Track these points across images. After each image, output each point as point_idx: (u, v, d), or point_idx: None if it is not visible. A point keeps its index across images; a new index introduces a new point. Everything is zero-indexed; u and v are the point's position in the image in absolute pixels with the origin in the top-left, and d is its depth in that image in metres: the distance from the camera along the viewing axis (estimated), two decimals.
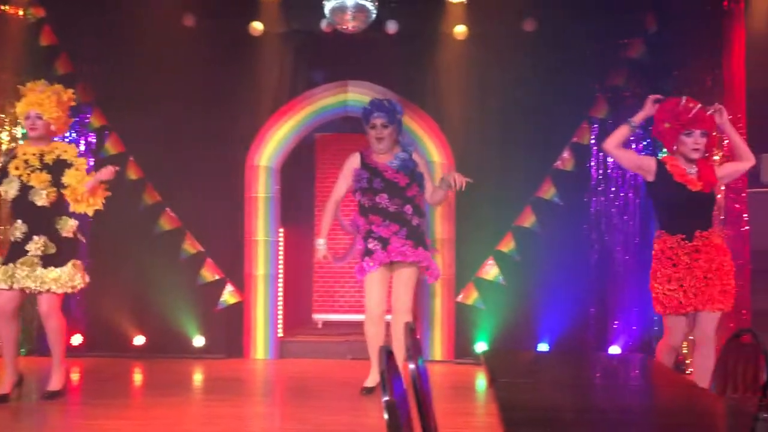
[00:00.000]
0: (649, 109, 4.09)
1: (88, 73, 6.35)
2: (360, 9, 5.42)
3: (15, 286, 4.49)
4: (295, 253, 7.33)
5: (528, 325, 6.08)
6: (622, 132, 4.12)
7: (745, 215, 5.67)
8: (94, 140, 6.41)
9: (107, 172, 4.57)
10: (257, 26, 6.27)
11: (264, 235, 6.37)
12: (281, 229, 6.62)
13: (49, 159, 4.59)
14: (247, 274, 6.35)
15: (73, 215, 4.68)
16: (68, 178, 4.57)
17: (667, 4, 5.97)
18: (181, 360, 6.15)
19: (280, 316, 6.55)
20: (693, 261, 3.94)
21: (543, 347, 6.03)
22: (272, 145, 6.40)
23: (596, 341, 6.04)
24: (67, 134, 6.37)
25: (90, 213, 4.73)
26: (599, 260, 6.11)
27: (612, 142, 4.11)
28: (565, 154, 6.16)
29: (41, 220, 4.56)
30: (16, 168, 4.57)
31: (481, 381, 5.56)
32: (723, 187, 5.29)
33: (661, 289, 3.98)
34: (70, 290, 4.62)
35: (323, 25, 6.13)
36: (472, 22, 6.21)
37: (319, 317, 7.51)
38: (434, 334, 6.28)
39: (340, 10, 5.45)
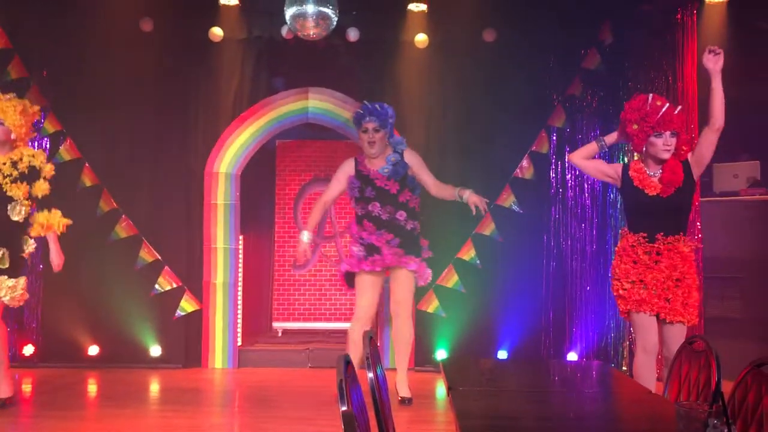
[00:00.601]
0: (621, 133, 4.00)
1: (43, 77, 6.20)
2: (321, 16, 5.40)
3: None
4: (255, 260, 7.27)
5: (487, 332, 6.12)
6: (590, 148, 4.10)
7: (698, 223, 5.81)
8: (49, 145, 6.26)
9: (56, 264, 4.70)
10: (217, 32, 6.21)
11: (224, 243, 6.30)
12: (241, 237, 6.56)
13: (22, 167, 4.59)
14: (206, 282, 6.27)
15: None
16: (37, 190, 4.61)
17: (622, 16, 6.09)
18: (137, 370, 6.04)
19: (239, 325, 6.47)
20: (653, 262, 3.80)
21: (502, 354, 6.07)
22: (232, 152, 6.33)
23: (554, 348, 6.11)
24: None
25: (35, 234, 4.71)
26: (557, 268, 6.18)
27: (578, 155, 4.09)
28: (524, 163, 6.23)
29: (8, 234, 4.56)
30: None
31: (440, 389, 5.58)
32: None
33: (620, 284, 3.85)
34: (16, 304, 4.61)
35: (284, 31, 6.11)
36: (433, 31, 6.25)
37: (279, 325, 7.45)
38: (392, 342, 6.25)
39: (301, 17, 5.42)
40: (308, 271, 7.65)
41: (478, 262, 6.15)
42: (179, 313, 6.21)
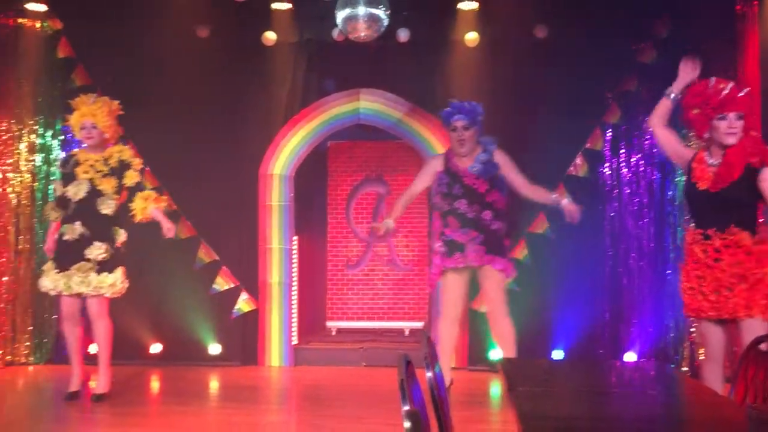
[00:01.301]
0: (685, 73, 3.71)
1: (106, 84, 6.41)
2: (372, 18, 5.45)
3: (71, 292, 4.75)
4: (309, 260, 7.36)
5: (542, 331, 6.06)
6: (661, 107, 3.76)
7: None
8: None
9: (167, 229, 4.89)
10: (270, 36, 6.31)
11: (278, 243, 6.41)
12: (295, 237, 6.66)
13: (113, 162, 4.86)
14: (262, 282, 6.39)
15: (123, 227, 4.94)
16: (128, 179, 4.86)
17: (678, 8, 5.95)
18: (197, 367, 6.19)
19: (295, 324, 6.58)
20: (713, 261, 3.54)
21: (558, 354, 6.01)
22: (285, 154, 6.44)
23: (611, 348, 6.01)
24: (84, 145, 6.48)
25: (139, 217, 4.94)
26: (613, 266, 6.09)
27: (654, 119, 3.79)
28: (578, 160, 6.16)
29: (103, 227, 4.81)
30: (86, 172, 4.80)
31: (495, 388, 5.56)
32: None
33: (682, 287, 3.68)
34: (118, 295, 4.91)
35: (335, 34, 6.17)
36: (483, 29, 6.23)
37: (333, 324, 7.53)
38: (447, 340, 6.26)
39: (352, 19, 5.48)
40: (361, 270, 7.71)
41: (530, 260, 6.11)
42: (236, 312, 6.35)
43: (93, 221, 4.77)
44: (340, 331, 7.47)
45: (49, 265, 4.85)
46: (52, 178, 6.40)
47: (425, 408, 2.04)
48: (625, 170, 6.09)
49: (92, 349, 6.24)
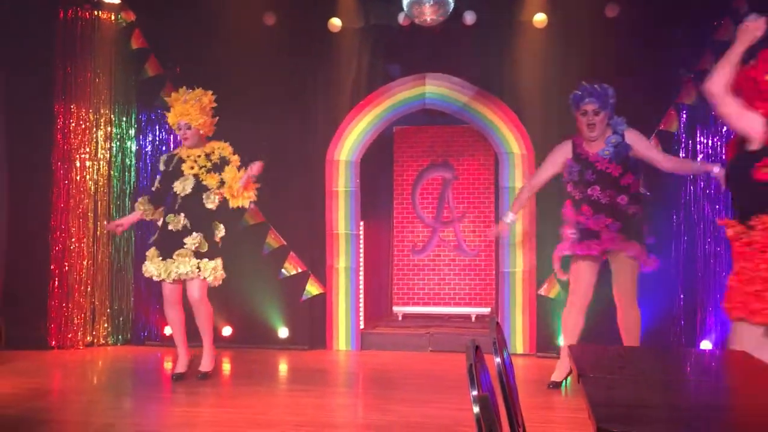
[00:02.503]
0: (745, 35, 3.18)
1: (176, 74, 6.59)
2: (438, 2, 5.40)
3: (174, 277, 4.98)
4: (375, 246, 7.41)
5: (612, 318, 5.89)
6: (724, 70, 3.14)
7: None
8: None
9: (257, 167, 4.98)
10: (336, 22, 6.35)
11: (345, 229, 6.46)
12: (361, 223, 6.70)
13: (215, 158, 5.07)
14: (329, 267, 6.46)
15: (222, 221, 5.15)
16: (225, 174, 5.03)
17: None
18: (266, 350, 6.33)
19: (362, 309, 6.63)
20: (757, 252, 3.07)
21: (705, 344, 5.84)
22: (351, 140, 6.47)
23: (686, 336, 5.84)
24: (158, 132, 6.69)
25: (246, 205, 5.19)
26: (688, 251, 5.90)
27: (715, 83, 3.14)
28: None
29: (203, 221, 5.04)
30: (191, 168, 5.02)
31: None
32: None
33: (731, 283, 3.20)
34: (217, 283, 5.15)
35: (401, 18, 6.15)
36: (552, 9, 6.09)
37: (399, 310, 7.56)
38: (515, 327, 6.22)
39: (417, 3, 5.45)
40: (427, 256, 7.71)
41: None
42: (305, 296, 6.44)
43: (196, 214, 5.01)
44: (406, 316, 7.50)
45: (152, 252, 5.09)
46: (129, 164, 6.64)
47: (494, 394, 2.03)
48: (700, 152, 5.87)
49: (167, 331, 6.48)
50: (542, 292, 6.16)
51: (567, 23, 6.08)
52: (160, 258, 5.02)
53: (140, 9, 6.56)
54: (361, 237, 6.72)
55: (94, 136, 6.59)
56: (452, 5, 5.51)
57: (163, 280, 5.04)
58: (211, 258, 5.04)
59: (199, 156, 5.06)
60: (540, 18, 6.09)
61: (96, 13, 6.55)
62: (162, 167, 5.20)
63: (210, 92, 5.19)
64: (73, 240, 6.45)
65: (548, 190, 6.06)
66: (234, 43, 6.31)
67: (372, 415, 4.46)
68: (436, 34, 6.21)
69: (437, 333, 6.55)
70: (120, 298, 6.65)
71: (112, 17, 6.62)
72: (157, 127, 6.70)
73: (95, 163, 6.59)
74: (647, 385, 2.24)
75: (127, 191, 6.69)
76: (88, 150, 6.56)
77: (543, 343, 6.13)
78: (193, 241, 4.97)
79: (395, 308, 7.60)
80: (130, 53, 6.60)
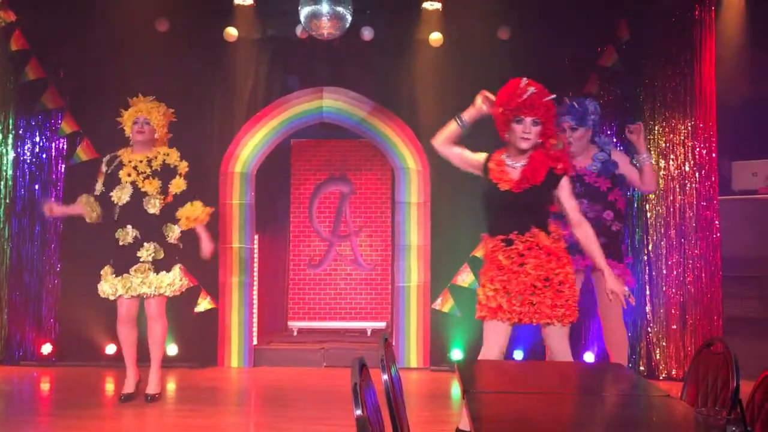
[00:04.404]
0: (479, 106, 3.71)
1: (59, 78, 6.26)
2: (335, 16, 5.40)
3: (132, 293, 4.75)
4: (271, 259, 7.29)
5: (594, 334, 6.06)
6: (450, 129, 3.73)
7: (717, 222, 5.75)
8: (65, 146, 6.31)
9: (206, 248, 4.91)
10: (232, 32, 6.23)
11: (239, 242, 6.32)
12: (256, 236, 6.58)
13: (156, 165, 4.83)
14: (222, 282, 6.29)
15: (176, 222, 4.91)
16: (174, 187, 4.84)
17: (639, 12, 6.03)
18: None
19: (255, 324, 6.50)
20: (518, 266, 3.53)
21: (518, 354, 6.04)
22: (247, 151, 6.35)
23: (570, 348, 6.04)
24: (38, 140, 6.32)
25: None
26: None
27: (439, 139, 3.74)
28: None
29: (152, 227, 4.80)
30: (128, 174, 4.78)
31: (456, 388, 5.56)
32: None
33: (483, 291, 3.60)
34: (178, 293, 4.92)
35: (298, 31, 6.11)
36: (447, 29, 6.23)
37: (294, 324, 7.46)
38: (409, 341, 6.27)
39: (315, 16, 5.43)
40: (324, 270, 7.66)
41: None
42: (196, 312, 6.23)
43: (142, 222, 4.78)
44: (301, 331, 7.41)
45: (106, 270, 4.82)
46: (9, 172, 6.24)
47: (379, 411, 2.02)
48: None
49: (109, 349, 6.12)
50: (436, 306, 6.24)
51: (462, 43, 6.24)
52: (114, 275, 4.78)
53: (22, 9, 6.18)
54: (256, 251, 6.59)
55: None
56: (349, 20, 5.52)
57: (121, 296, 4.79)
58: (169, 266, 4.82)
59: (140, 161, 4.83)
60: (436, 37, 6.22)
61: None
62: (104, 168, 4.93)
63: (171, 110, 5.10)
64: None
65: (444, 205, 6.18)
66: (124, 48, 6.06)
67: None
68: (335, 48, 6.22)
69: (332, 348, 6.50)
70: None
71: None
72: (37, 133, 6.31)
73: None
74: (531, 399, 2.30)
75: (2, 201, 6.26)
76: None
77: (436, 356, 6.20)
78: (147, 253, 4.76)
79: (290, 323, 7.49)
80: (8, 55, 6.20)
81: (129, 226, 4.79)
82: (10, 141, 6.29)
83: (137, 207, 4.79)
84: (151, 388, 4.96)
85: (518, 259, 3.54)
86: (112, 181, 4.84)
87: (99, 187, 4.92)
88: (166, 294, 4.85)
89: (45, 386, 5.56)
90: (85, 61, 6.20)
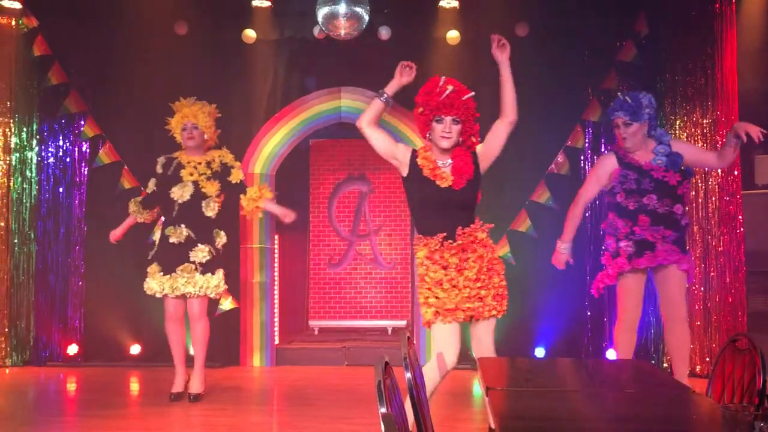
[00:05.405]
0: (397, 76, 3.62)
1: (81, 83, 6.35)
2: (353, 16, 5.42)
3: (177, 293, 4.81)
4: (291, 259, 7.33)
5: (524, 329, 6.07)
6: (374, 106, 3.57)
7: (740, 217, 5.69)
8: (88, 149, 6.40)
9: (284, 215, 5.00)
10: (250, 34, 6.27)
11: (260, 243, 6.36)
12: (276, 236, 6.61)
13: (215, 166, 4.93)
14: (243, 282, 6.34)
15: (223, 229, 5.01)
16: (233, 176, 4.92)
17: (658, 6, 5.99)
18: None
19: (277, 324, 6.54)
20: (463, 262, 3.46)
21: (539, 352, 6.02)
22: (267, 152, 6.39)
23: (593, 345, 6.04)
24: (61, 143, 6.40)
25: (261, 206, 5.03)
26: (595, 264, 6.10)
27: (365, 119, 3.56)
28: (560, 158, 6.17)
29: (206, 230, 4.88)
30: (191, 174, 4.86)
31: (477, 386, 5.56)
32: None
33: (432, 294, 3.45)
34: (218, 297, 5.01)
35: (316, 32, 6.14)
36: (464, 27, 6.23)
37: (316, 324, 7.49)
38: (430, 339, 6.26)
39: (332, 17, 5.44)
40: (344, 269, 7.69)
41: (512, 258, 6.11)
42: (218, 312, 6.28)
43: (197, 223, 4.85)
44: (322, 330, 7.44)
45: (153, 268, 4.88)
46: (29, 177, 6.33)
47: (403, 409, 2.02)
48: None
49: (134, 350, 6.22)
50: None
51: (479, 41, 6.21)
52: (162, 273, 4.84)
53: (43, 14, 6.28)
54: (277, 251, 6.63)
55: None
56: (367, 20, 5.53)
57: (167, 295, 4.85)
58: (213, 271, 4.88)
59: (199, 163, 4.92)
60: (453, 35, 6.22)
61: None
62: (159, 170, 4.99)
63: (215, 105, 5.14)
64: None
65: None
66: (144, 51, 6.13)
67: None
68: (352, 48, 6.23)
69: (353, 347, 6.53)
70: (19, 316, 6.29)
71: (13, 22, 6.30)
72: (60, 137, 6.41)
73: None
74: (554, 396, 2.29)
75: (28, 204, 6.35)
76: None
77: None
78: (202, 254, 4.84)
79: (311, 322, 7.53)
80: (31, 60, 6.30)
81: (183, 225, 4.85)
82: (34, 145, 6.38)
83: (195, 208, 4.86)
84: (194, 388, 5.02)
85: (462, 255, 3.48)
86: (171, 181, 4.90)
87: (151, 185, 5.00)
88: (211, 295, 4.91)
89: (71, 386, 5.63)
90: (106, 65, 6.27)
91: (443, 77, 3.53)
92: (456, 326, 3.48)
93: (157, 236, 5.17)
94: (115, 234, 5.14)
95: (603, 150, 6.16)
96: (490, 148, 3.62)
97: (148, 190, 5.03)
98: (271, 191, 5.14)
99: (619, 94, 4.59)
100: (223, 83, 6.35)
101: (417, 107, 3.55)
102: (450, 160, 3.54)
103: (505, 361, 3.25)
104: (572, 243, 4.62)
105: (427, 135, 3.56)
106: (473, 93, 3.55)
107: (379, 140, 3.57)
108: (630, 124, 4.41)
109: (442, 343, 3.49)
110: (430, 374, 3.45)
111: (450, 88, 3.49)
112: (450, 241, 3.47)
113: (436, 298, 3.45)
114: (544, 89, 5.99)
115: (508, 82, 3.64)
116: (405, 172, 3.56)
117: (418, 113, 3.55)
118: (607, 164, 4.52)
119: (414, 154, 3.56)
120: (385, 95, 3.58)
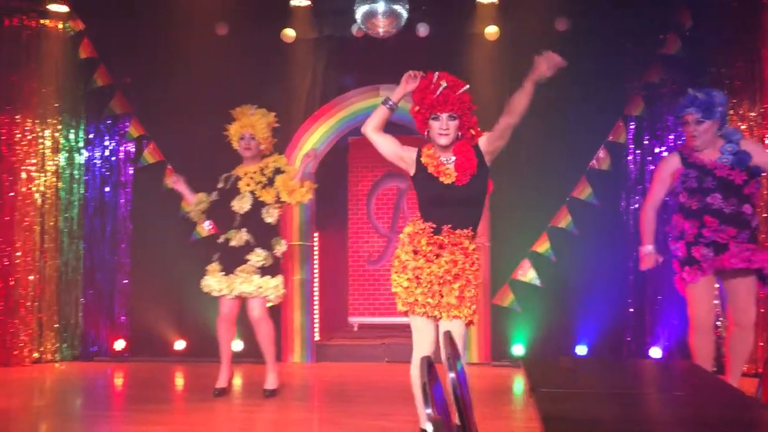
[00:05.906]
0: (402, 84, 3.57)
1: (126, 84, 6.48)
2: (391, 13, 5.43)
3: (234, 293, 4.93)
4: (331, 256, 7.38)
5: (565, 327, 6.03)
6: (379, 113, 3.59)
7: None
8: (133, 149, 6.54)
9: (307, 157, 5.15)
10: (289, 33, 6.32)
11: (299, 240, 6.42)
12: (316, 234, 6.66)
13: (268, 172, 5.02)
14: (284, 279, 6.39)
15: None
16: (278, 181, 4.99)
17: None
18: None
19: (317, 320, 6.59)
20: (434, 255, 3.49)
21: (581, 350, 5.97)
22: (306, 150, 6.43)
23: (636, 344, 5.96)
24: (107, 143, 6.56)
25: (305, 200, 5.14)
26: (637, 260, 6.01)
27: (370, 125, 3.59)
28: (601, 154, 6.10)
29: (266, 236, 5.00)
30: (247, 185, 4.99)
31: (518, 384, 5.54)
32: None
33: (397, 281, 3.54)
34: (279, 301, 5.12)
35: (354, 30, 6.16)
36: (504, 22, 6.18)
37: (355, 320, 7.53)
38: (470, 337, 6.26)
39: (371, 15, 5.46)
40: (383, 266, 7.70)
41: (552, 255, 6.06)
42: None
43: (258, 230, 4.98)
44: (362, 326, 7.47)
45: (214, 267, 5.01)
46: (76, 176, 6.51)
47: (447, 407, 2.03)
48: (648, 163, 6.01)
49: (178, 345, 6.41)
50: (496, 300, 6.22)
51: (518, 36, 6.18)
52: (222, 273, 4.96)
53: (89, 18, 6.43)
54: (316, 248, 6.68)
55: (41, 147, 6.42)
56: (405, 18, 5.54)
57: (224, 295, 4.97)
58: (273, 275, 5.00)
59: (254, 172, 5.03)
60: (492, 30, 6.18)
61: (42, 21, 6.39)
62: (220, 185, 5.13)
63: (273, 114, 5.19)
64: (19, 254, 6.26)
65: (502, 199, 6.10)
66: (186, 53, 6.23)
67: (327, 429, 4.43)
68: (390, 46, 6.24)
69: (393, 343, 6.55)
70: (68, 312, 6.47)
71: (60, 26, 6.46)
72: (106, 137, 6.56)
73: (42, 175, 6.41)
74: (598, 399, 2.28)
75: (76, 203, 6.52)
76: (34, 162, 6.38)
77: (497, 351, 6.19)
78: (258, 258, 4.94)
79: (351, 319, 7.57)
80: (78, 63, 6.45)
81: (244, 230, 4.96)
82: (81, 145, 6.55)
83: (256, 216, 4.97)
84: (269, 384, 5.15)
85: (436, 250, 3.49)
86: (231, 194, 5.02)
87: (214, 196, 5.10)
88: (270, 297, 5.00)
89: (118, 381, 5.77)
90: (149, 66, 6.39)
91: (437, 73, 3.50)
92: (426, 320, 3.55)
93: (202, 235, 5.19)
94: (179, 183, 5.16)
95: (645, 144, 6.07)
96: (495, 140, 3.61)
97: (211, 199, 5.12)
98: (312, 185, 5.15)
99: (689, 89, 4.39)
100: (263, 82, 6.41)
101: (413, 105, 3.55)
102: (453, 157, 3.54)
103: (548, 360, 3.24)
104: (654, 244, 4.49)
105: (426, 133, 3.57)
106: (468, 86, 3.55)
107: (384, 144, 3.63)
108: (702, 121, 4.22)
109: (413, 335, 3.60)
110: (413, 370, 3.58)
111: (443, 84, 3.47)
112: (433, 232, 3.51)
113: (401, 287, 3.53)
114: (585, 84, 5.92)
115: (530, 93, 3.63)
116: (412, 172, 3.60)
117: (415, 111, 3.55)
118: (670, 165, 4.41)
119: (419, 152, 3.60)
120: (390, 102, 3.59)
